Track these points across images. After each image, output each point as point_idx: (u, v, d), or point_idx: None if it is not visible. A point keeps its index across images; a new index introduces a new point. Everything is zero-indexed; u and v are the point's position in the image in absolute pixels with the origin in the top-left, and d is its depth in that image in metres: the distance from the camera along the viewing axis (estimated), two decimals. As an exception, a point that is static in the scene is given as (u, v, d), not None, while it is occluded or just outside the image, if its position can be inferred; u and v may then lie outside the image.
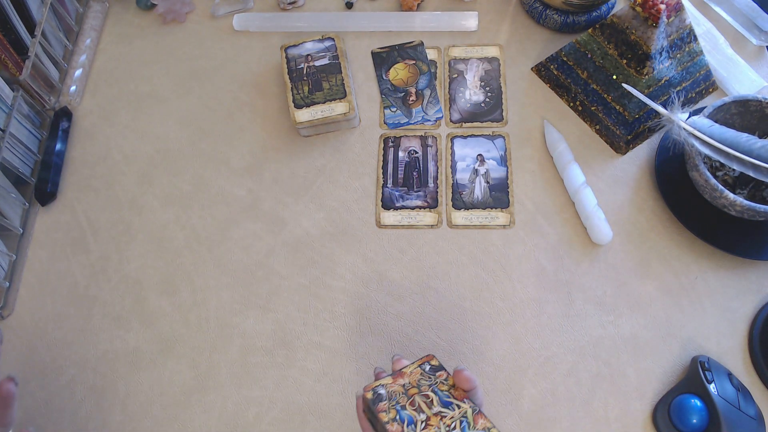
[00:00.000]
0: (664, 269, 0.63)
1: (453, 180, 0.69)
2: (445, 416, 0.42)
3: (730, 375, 0.56)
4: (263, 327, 0.63)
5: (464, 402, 0.43)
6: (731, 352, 0.59)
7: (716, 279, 0.62)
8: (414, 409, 0.42)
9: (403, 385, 0.45)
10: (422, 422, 0.41)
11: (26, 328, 0.65)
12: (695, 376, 0.56)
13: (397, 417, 0.42)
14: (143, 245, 0.68)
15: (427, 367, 0.46)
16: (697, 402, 0.54)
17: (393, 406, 0.43)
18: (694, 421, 0.54)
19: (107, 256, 0.68)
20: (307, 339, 0.62)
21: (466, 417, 0.42)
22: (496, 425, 0.40)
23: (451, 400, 0.43)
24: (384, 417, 0.42)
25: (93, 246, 0.68)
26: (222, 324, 0.64)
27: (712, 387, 0.54)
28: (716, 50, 0.73)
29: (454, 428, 0.41)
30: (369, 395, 0.44)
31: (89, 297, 0.66)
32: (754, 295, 0.62)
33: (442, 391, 0.44)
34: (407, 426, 0.41)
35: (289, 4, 0.81)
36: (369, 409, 0.44)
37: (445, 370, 0.46)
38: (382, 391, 0.44)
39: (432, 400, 0.43)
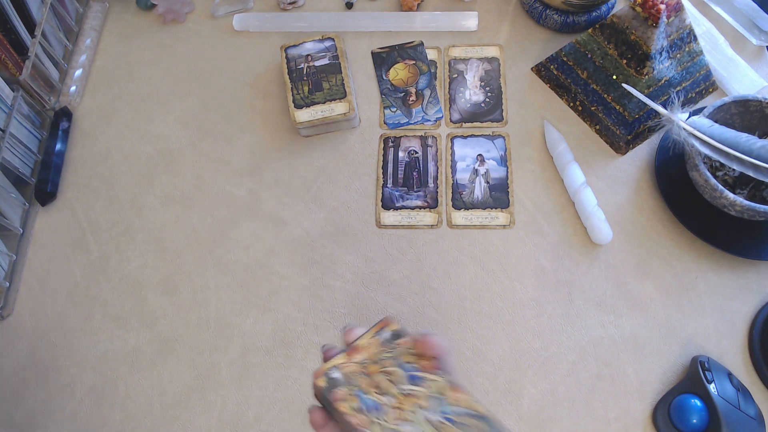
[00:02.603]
0: (664, 269, 0.63)
1: (453, 180, 0.69)
2: (417, 395, 0.35)
3: (730, 375, 0.56)
4: (263, 327, 0.63)
5: (436, 375, 0.36)
6: (731, 352, 0.59)
7: (716, 279, 0.62)
8: (378, 392, 0.35)
9: (361, 363, 0.37)
10: (391, 407, 0.34)
11: (26, 328, 0.65)
12: (695, 376, 0.56)
13: (360, 405, 0.35)
14: (143, 245, 0.68)
15: (386, 335, 0.38)
16: (697, 402, 0.54)
17: (353, 392, 0.35)
18: (694, 421, 0.54)
19: (107, 256, 0.68)
20: (307, 339, 0.62)
21: (441, 393, 0.35)
22: (477, 400, 0.35)
23: (421, 374, 0.36)
24: (343, 407, 0.35)
25: (93, 246, 0.68)
26: (222, 324, 0.64)
27: (712, 387, 0.54)
28: (716, 50, 0.73)
29: (430, 408, 0.34)
30: (322, 382, 0.36)
31: (89, 297, 0.66)
32: (754, 295, 0.62)
33: (408, 363, 0.36)
34: (373, 414, 0.34)
35: (289, 4, 0.81)
36: (324, 399, 0.36)
37: (408, 336, 0.38)
38: (336, 374, 0.36)
39: (397, 376, 0.36)
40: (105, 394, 0.61)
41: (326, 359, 0.38)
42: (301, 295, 0.64)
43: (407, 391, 0.35)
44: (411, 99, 0.74)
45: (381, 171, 0.70)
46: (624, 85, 0.65)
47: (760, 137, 0.61)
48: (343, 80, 0.72)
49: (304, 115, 0.70)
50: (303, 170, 0.71)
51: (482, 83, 0.75)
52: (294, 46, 0.75)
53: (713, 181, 0.58)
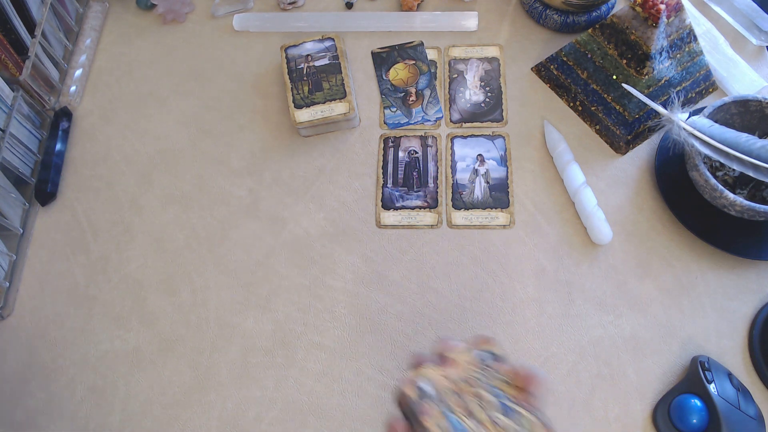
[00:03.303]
0: (664, 269, 0.63)
1: (453, 180, 0.69)
2: (506, 428, 0.33)
3: (730, 375, 0.56)
4: (263, 327, 0.63)
5: (530, 412, 0.34)
6: (731, 352, 0.59)
7: (716, 279, 0.62)
8: (465, 415, 0.34)
9: (455, 381, 0.35)
10: None
11: (26, 328, 0.65)
12: (695, 376, 0.56)
13: (447, 424, 0.33)
14: (143, 245, 0.68)
15: (485, 355, 0.37)
16: (697, 402, 0.54)
17: (441, 409, 0.34)
18: (694, 421, 0.54)
19: (107, 256, 0.68)
20: (307, 339, 0.62)
21: None
22: None
23: (515, 406, 0.34)
24: (429, 424, 0.33)
25: (93, 246, 0.68)
26: (222, 324, 0.64)
27: (712, 387, 0.54)
28: (716, 50, 0.73)
29: None
30: (411, 392, 0.35)
31: (89, 297, 0.66)
32: (754, 295, 0.62)
33: (502, 392, 0.35)
34: None
35: (289, 4, 0.81)
36: (409, 410, 0.35)
37: (509, 363, 0.37)
38: (427, 387, 0.35)
39: (490, 404, 0.34)
40: (105, 394, 0.61)
41: (415, 367, 0.37)
42: (301, 295, 0.64)
43: (497, 421, 0.34)
44: (411, 99, 0.74)
45: (381, 171, 0.70)
46: (624, 85, 0.65)
47: (760, 137, 0.61)
48: (343, 80, 0.72)
49: (304, 115, 0.70)
50: (303, 170, 0.71)
51: (482, 83, 0.75)
52: (294, 46, 0.75)
53: (713, 181, 0.58)
